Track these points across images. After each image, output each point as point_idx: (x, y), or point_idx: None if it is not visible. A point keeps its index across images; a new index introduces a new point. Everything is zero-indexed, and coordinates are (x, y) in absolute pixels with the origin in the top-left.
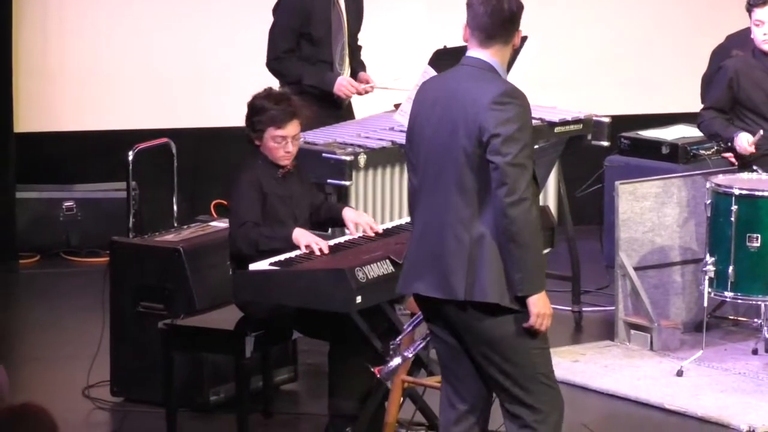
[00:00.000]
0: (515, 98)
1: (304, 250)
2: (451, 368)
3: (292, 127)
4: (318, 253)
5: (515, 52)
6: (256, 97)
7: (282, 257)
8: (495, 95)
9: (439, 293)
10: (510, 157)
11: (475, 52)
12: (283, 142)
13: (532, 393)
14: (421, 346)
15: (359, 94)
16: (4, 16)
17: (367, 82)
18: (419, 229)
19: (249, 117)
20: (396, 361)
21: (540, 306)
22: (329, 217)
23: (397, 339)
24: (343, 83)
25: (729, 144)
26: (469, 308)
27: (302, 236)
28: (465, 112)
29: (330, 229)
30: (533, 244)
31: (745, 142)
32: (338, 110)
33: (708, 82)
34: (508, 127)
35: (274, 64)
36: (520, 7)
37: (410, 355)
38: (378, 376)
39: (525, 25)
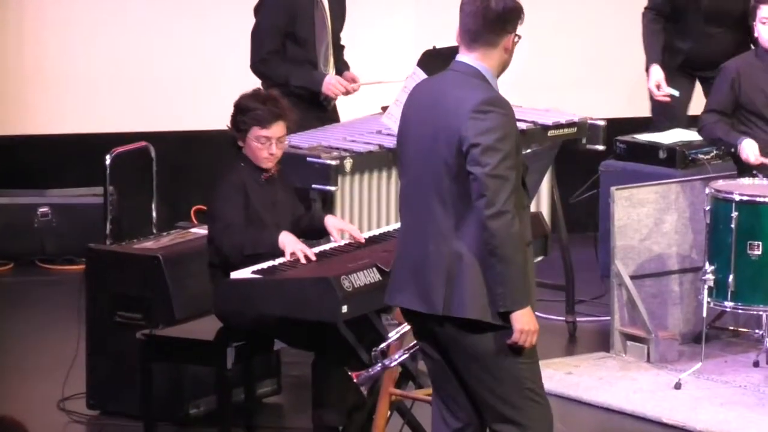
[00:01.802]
0: (497, 107)
1: (288, 257)
2: (441, 384)
3: (277, 128)
4: (304, 261)
5: (509, 55)
6: (242, 97)
7: (265, 265)
8: (476, 103)
9: (420, 306)
10: (489, 167)
11: (462, 56)
12: (267, 143)
13: (519, 409)
14: (405, 357)
15: (347, 93)
16: None
17: (354, 81)
18: (402, 238)
19: (234, 116)
20: (376, 368)
21: (524, 322)
22: (311, 226)
23: (381, 346)
24: (332, 81)
25: (732, 150)
26: (450, 323)
27: (289, 242)
28: (446, 121)
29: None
30: (515, 258)
31: (751, 154)
32: (323, 112)
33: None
34: (489, 137)
35: (259, 66)
36: (512, 9)
37: (391, 365)
38: (355, 381)
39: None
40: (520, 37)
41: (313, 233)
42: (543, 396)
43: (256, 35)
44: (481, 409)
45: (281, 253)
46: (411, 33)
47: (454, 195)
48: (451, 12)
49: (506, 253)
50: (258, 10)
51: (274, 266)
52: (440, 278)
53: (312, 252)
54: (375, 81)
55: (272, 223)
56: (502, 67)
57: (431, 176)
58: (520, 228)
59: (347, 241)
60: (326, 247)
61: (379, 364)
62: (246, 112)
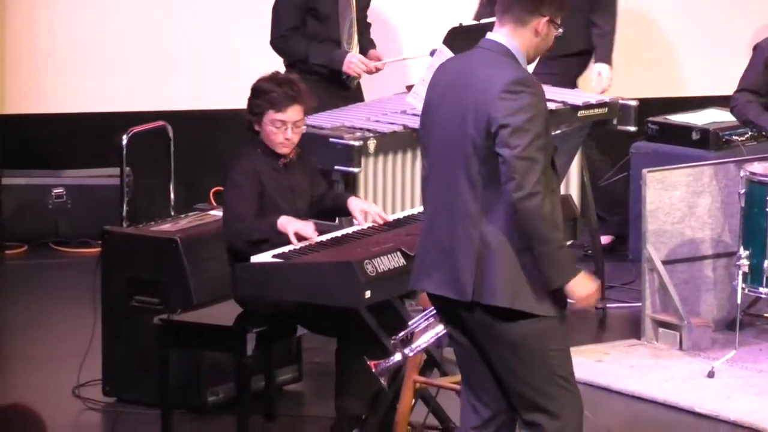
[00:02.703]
0: (528, 86)
1: (293, 238)
2: (470, 371)
3: (293, 112)
4: (314, 240)
5: (542, 41)
6: (260, 80)
7: (286, 249)
8: (506, 83)
9: (448, 292)
10: (518, 149)
11: (493, 34)
12: (283, 128)
13: (550, 397)
14: (427, 345)
15: (370, 72)
16: None
17: (378, 59)
18: (429, 221)
19: (249, 99)
20: (396, 357)
21: (580, 289)
22: (335, 206)
23: (400, 334)
24: (353, 60)
25: (764, 133)
26: (480, 309)
27: (289, 223)
28: (475, 101)
29: (337, 219)
30: (552, 235)
31: None
32: (346, 91)
33: None
34: (518, 117)
35: (278, 42)
36: None
37: (411, 354)
38: (374, 371)
39: None
40: (558, 27)
41: (337, 213)
42: (574, 384)
43: (276, 11)
44: (510, 398)
45: (285, 238)
46: (437, 10)
47: (484, 177)
48: None
49: (542, 232)
50: None
51: (294, 250)
52: (470, 263)
53: (314, 229)
54: (400, 58)
55: (289, 209)
56: (534, 50)
57: (459, 158)
58: (551, 209)
59: (370, 224)
60: (349, 230)
61: (399, 354)
62: (261, 95)
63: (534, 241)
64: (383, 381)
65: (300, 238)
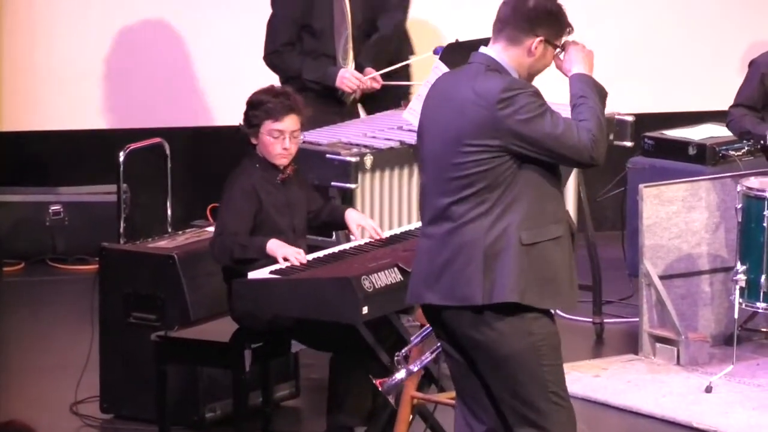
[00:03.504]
0: (519, 87)
1: (281, 262)
2: (465, 387)
3: (290, 121)
4: (297, 264)
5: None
6: (255, 93)
7: (283, 265)
8: (496, 93)
9: (451, 301)
10: (551, 135)
11: (485, 48)
12: (280, 137)
13: (542, 413)
14: (429, 360)
15: (364, 87)
16: None
17: (374, 79)
18: (426, 233)
19: (246, 112)
20: (401, 374)
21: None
22: (331, 219)
23: (403, 351)
24: (346, 76)
25: (762, 143)
26: (481, 319)
27: (278, 248)
28: (468, 114)
29: (334, 234)
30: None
31: None
32: (341, 107)
33: None
34: (524, 113)
35: (272, 57)
36: (547, 12)
37: (416, 369)
38: (380, 389)
39: None
40: (557, 47)
41: (334, 226)
42: (567, 399)
43: (271, 26)
44: (503, 413)
45: (273, 260)
46: (436, 26)
47: (478, 187)
48: (471, 5)
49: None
50: (274, 1)
51: (292, 266)
52: (477, 269)
53: (303, 255)
54: (397, 65)
55: (287, 225)
56: (527, 70)
57: (449, 170)
58: (561, 210)
59: (367, 240)
60: (346, 246)
61: (404, 370)
62: (258, 106)
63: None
64: (391, 399)
65: (287, 261)
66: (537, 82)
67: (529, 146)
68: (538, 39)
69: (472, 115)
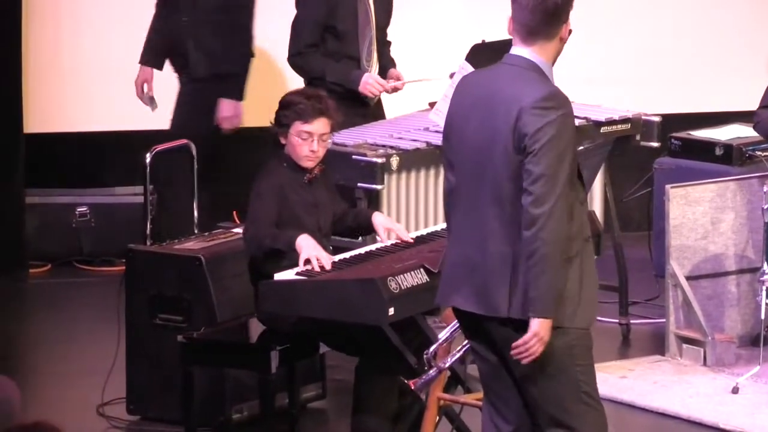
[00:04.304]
0: (557, 102)
1: (301, 265)
2: (493, 387)
3: (320, 124)
4: (318, 269)
5: (563, 44)
6: (288, 93)
7: (304, 267)
8: (536, 98)
9: (479, 308)
10: (543, 166)
11: (517, 49)
12: (309, 139)
13: (574, 414)
14: (460, 355)
15: (387, 92)
16: (15, 12)
17: (398, 79)
18: (456, 237)
19: (277, 111)
20: (432, 372)
21: (541, 329)
22: (357, 223)
23: (431, 348)
24: (369, 81)
25: None
26: (510, 324)
27: (306, 246)
28: (505, 118)
29: (360, 237)
30: (553, 262)
31: None
32: (366, 108)
33: None
34: (546, 134)
35: (296, 59)
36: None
37: (446, 366)
38: (413, 388)
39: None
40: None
41: (361, 230)
42: (598, 401)
43: (295, 28)
44: (534, 414)
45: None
46: (459, 27)
47: (514, 193)
48: (499, 5)
49: (546, 254)
50: (298, 2)
51: (314, 269)
52: (503, 280)
53: (329, 259)
54: (420, 79)
55: (313, 224)
56: (557, 56)
57: (489, 175)
58: (577, 224)
59: (394, 241)
60: (372, 247)
61: (434, 368)
62: (289, 106)
63: (533, 261)
64: (423, 396)
65: (308, 263)
66: None
67: (523, 155)
68: (567, 25)
69: (511, 117)
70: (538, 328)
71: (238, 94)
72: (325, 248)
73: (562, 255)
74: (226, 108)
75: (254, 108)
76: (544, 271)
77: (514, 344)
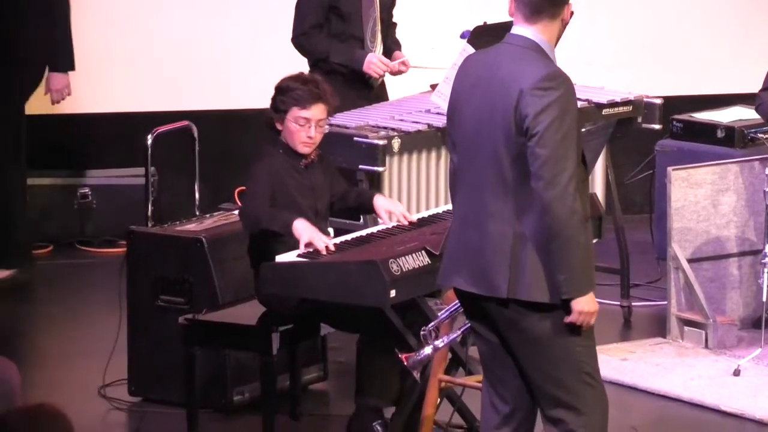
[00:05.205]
0: (558, 82)
1: (302, 248)
2: (493, 368)
3: (317, 110)
4: (324, 252)
5: (564, 26)
6: (285, 78)
7: (305, 250)
8: (537, 79)
9: (479, 289)
10: (550, 148)
11: (519, 28)
12: (306, 125)
13: (575, 394)
14: (456, 337)
15: (392, 73)
16: None
17: (403, 63)
18: (459, 217)
19: (273, 97)
20: (427, 350)
21: (583, 304)
22: (359, 203)
23: (429, 326)
24: (373, 60)
25: None
26: (512, 305)
27: (304, 230)
28: (505, 98)
29: (362, 218)
30: (577, 241)
31: None
32: (369, 90)
33: None
34: (549, 114)
35: (300, 39)
36: None
37: (442, 346)
38: (405, 364)
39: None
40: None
41: (362, 210)
42: (599, 381)
43: (299, 8)
44: (535, 394)
45: (296, 241)
46: (463, 10)
47: (516, 174)
48: None
49: (568, 235)
50: None
51: (316, 251)
52: (503, 260)
53: (331, 242)
54: (423, 65)
55: (309, 207)
56: (558, 38)
57: (490, 155)
58: (581, 206)
59: (395, 224)
60: (374, 229)
61: (430, 346)
62: (286, 92)
63: (557, 244)
64: (416, 374)
65: (310, 246)
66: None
67: (525, 137)
68: (569, 6)
69: (512, 97)
70: (580, 307)
71: (65, 66)
72: (322, 231)
73: (582, 229)
74: (55, 81)
75: (256, 90)
76: (568, 251)
77: (566, 321)
